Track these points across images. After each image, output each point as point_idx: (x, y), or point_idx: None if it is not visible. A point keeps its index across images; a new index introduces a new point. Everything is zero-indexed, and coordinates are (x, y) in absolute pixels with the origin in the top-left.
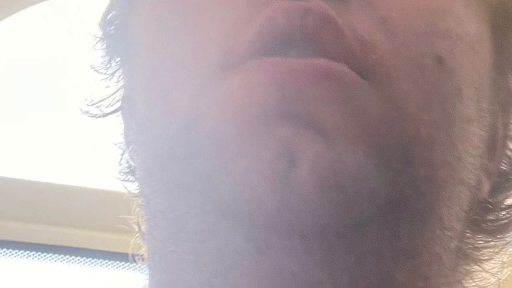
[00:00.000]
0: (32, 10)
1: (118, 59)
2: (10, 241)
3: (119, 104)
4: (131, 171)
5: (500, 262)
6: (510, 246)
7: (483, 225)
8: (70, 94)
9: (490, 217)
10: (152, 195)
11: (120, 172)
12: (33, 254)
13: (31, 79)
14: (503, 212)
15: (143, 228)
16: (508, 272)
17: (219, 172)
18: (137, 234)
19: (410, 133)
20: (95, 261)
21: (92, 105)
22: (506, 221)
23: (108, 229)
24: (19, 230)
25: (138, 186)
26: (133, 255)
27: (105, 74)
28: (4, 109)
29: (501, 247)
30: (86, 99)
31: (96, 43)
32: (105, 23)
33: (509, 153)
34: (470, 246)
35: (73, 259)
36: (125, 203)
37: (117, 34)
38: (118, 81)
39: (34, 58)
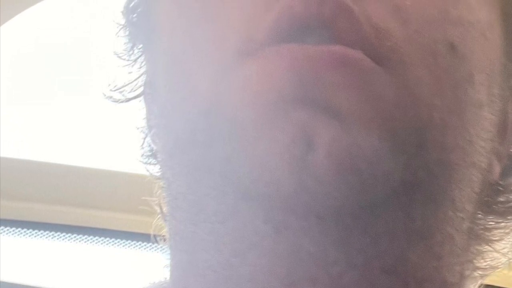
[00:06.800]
0: None
1: (141, 45)
2: (35, 222)
3: (141, 89)
4: (153, 154)
5: (510, 243)
6: None
7: (494, 206)
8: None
9: (501, 199)
10: (173, 177)
11: (142, 155)
12: (59, 235)
13: (57, 63)
14: None
15: (164, 209)
16: None
17: (238, 155)
18: (159, 216)
19: (423, 118)
20: (119, 242)
21: (115, 90)
22: None
23: (131, 210)
24: (45, 211)
25: (160, 168)
26: (155, 236)
27: (128, 60)
28: (29, 92)
29: (511, 228)
30: (109, 85)
31: (120, 30)
32: (128, 10)
33: None
34: (482, 227)
35: (97, 239)
36: (148, 186)
37: (140, 22)
38: (140, 67)
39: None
